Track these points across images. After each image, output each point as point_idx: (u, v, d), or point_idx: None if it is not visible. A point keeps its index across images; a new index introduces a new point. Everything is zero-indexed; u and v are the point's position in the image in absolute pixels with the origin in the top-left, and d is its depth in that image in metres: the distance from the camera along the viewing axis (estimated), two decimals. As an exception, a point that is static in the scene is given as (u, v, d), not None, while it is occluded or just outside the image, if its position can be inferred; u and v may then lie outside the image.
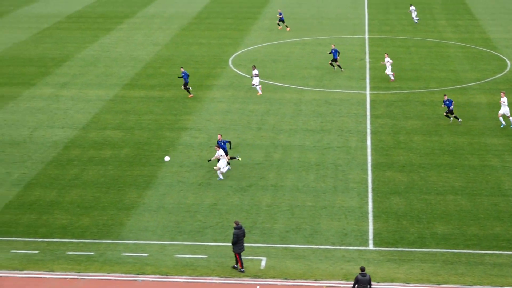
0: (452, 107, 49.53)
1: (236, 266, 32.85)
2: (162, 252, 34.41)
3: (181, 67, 57.73)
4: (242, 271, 32.56)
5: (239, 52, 69.44)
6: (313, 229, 36.40)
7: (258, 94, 56.54)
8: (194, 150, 46.10)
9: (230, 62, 65.44)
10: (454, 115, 49.89)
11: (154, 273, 32.62)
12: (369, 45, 71.25)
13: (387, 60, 59.26)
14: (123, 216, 37.87)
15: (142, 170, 43.36)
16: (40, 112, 53.49)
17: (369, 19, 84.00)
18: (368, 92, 56.91)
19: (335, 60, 61.59)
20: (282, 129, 49.30)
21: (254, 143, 47.27)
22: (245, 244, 33.21)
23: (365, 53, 68.35)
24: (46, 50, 70.99)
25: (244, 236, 32.54)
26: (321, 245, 34.97)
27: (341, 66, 62.41)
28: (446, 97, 49.82)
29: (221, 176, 41.83)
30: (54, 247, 34.96)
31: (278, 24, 78.73)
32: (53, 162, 44.66)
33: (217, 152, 41.94)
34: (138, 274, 32.54)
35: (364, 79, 60.14)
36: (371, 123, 50.31)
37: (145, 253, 34.33)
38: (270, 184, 41.38)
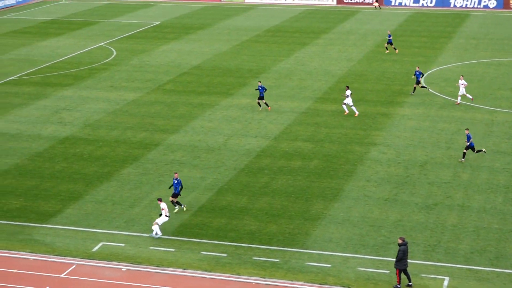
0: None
1: (410, 284, 32.24)
2: (345, 264, 34.30)
3: (259, 81, 57.63)
4: (398, 287, 31.97)
5: (432, 70, 68.25)
6: (499, 252, 35.13)
7: (345, 113, 55.24)
8: (382, 166, 45.69)
9: (422, 80, 64.43)
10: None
11: (336, 284, 32.54)
12: None
13: (462, 82, 56.95)
14: (309, 226, 38.07)
15: (329, 182, 43.44)
16: (235, 121, 54.79)
17: None
18: None
19: (418, 82, 59.73)
20: (472, 149, 47.97)
21: (442, 161, 46.27)
22: (427, 263, 32.52)
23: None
24: (244, 61, 72.69)
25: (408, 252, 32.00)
26: (506, 269, 33.68)
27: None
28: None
29: (158, 233, 36.96)
30: (241, 251, 35.63)
31: (386, 48, 75.73)
32: (245, 170, 45.58)
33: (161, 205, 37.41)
34: (320, 284, 32.57)
35: (561, 102, 57.52)
36: None
37: (328, 263, 34.33)
38: (457, 203, 40.33)
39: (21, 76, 67.73)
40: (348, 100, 55.20)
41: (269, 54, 75.33)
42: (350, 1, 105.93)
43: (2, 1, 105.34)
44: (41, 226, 38.41)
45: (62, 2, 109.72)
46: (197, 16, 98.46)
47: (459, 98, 57.59)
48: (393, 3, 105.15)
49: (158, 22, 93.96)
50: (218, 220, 38.95)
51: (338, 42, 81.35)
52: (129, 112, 56.80)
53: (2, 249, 35.88)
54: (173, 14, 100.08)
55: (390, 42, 75.53)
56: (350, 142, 49.95)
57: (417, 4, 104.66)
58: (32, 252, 35.52)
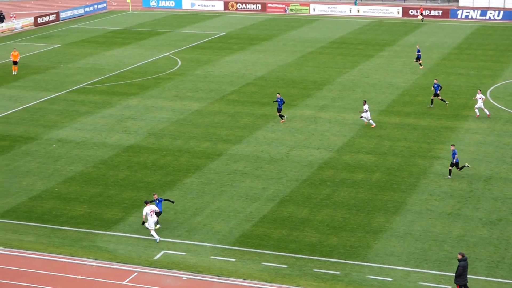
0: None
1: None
2: (406, 278, 33.91)
3: (278, 93, 57.48)
4: None
5: (498, 84, 67.23)
6: None
7: (372, 126, 55.11)
8: (445, 180, 45.09)
9: (488, 94, 63.49)
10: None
11: (396, 298, 32.21)
12: None
13: (480, 96, 56.65)
14: (370, 239, 37.76)
15: (392, 196, 43.05)
16: (298, 132, 54.72)
17: None
18: None
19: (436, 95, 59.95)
20: (539, 165, 47.09)
21: (507, 177, 45.48)
22: (491, 279, 31.96)
23: None
24: (308, 73, 72.62)
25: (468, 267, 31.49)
26: None
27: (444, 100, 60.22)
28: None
29: (156, 237, 37.63)
30: (302, 263, 35.51)
31: (420, 64, 74.30)
32: (307, 181, 45.46)
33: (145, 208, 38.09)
34: (381, 297, 32.28)
35: None
36: None
37: (390, 277, 33.99)
38: (522, 220, 39.61)
39: (88, 84, 68.75)
40: (366, 114, 54.98)
41: (333, 66, 75.12)
42: (415, 14, 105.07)
43: (71, 11, 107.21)
44: (104, 233, 38.85)
45: (129, 12, 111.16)
46: (262, 27, 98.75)
47: (477, 111, 57.37)
48: (459, 16, 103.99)
49: (224, 33, 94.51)
50: (279, 231, 38.89)
51: (402, 54, 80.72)
52: (193, 122, 57.17)
53: (66, 255, 36.39)
54: (238, 25, 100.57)
55: (418, 58, 74.47)
56: (414, 155, 49.45)
57: (484, 17, 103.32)
58: (95, 259, 35.94)
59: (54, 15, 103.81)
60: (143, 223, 38.41)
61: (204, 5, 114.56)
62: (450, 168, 45.28)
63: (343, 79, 69.92)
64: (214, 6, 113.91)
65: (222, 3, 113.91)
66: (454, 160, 44.78)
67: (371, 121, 55.40)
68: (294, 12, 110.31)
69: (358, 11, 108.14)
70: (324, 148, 51.19)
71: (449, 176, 45.35)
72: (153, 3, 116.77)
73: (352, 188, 44.26)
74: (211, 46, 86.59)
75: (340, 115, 58.54)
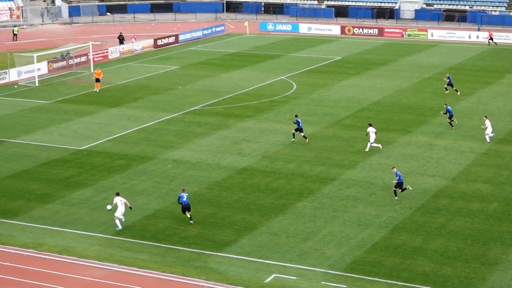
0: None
1: None
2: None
3: (296, 115, 57.91)
4: None
5: None
6: None
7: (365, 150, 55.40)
8: None
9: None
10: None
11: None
12: None
13: (487, 122, 57.41)
14: (486, 271, 36.78)
15: (509, 227, 41.87)
16: (413, 158, 53.98)
17: None
18: None
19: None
20: None
21: None
22: None
23: None
24: (424, 99, 71.65)
25: None
26: None
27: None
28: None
29: (119, 226, 42.26)
30: (414, 292, 34.94)
31: (446, 89, 73.18)
32: (421, 209, 44.74)
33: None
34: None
35: None
36: None
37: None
38: None
39: (204, 106, 69.80)
40: (370, 138, 55.33)
41: (451, 92, 73.84)
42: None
43: (190, 34, 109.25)
44: (216, 254, 39.21)
45: (246, 35, 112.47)
46: (379, 52, 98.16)
47: (488, 136, 57.45)
48: None
49: (339, 57, 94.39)
50: (392, 259, 38.37)
51: (523, 81, 78.74)
52: (307, 146, 57.18)
53: (178, 275, 36.89)
54: (354, 49, 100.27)
55: (450, 84, 73.18)
56: (533, 186, 48.02)
57: None
58: (206, 279, 36.29)
59: (173, 37, 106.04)
60: (109, 210, 42.44)
61: (321, 29, 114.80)
62: (395, 189, 46.23)
63: (460, 106, 68.63)
64: (330, 30, 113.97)
65: (338, 27, 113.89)
66: (399, 180, 45.88)
67: (373, 144, 55.46)
68: (411, 37, 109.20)
69: (477, 37, 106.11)
70: (439, 175, 50.30)
71: (396, 198, 45.98)
72: (270, 27, 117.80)
73: (467, 217, 43.29)
74: (326, 70, 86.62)
75: (457, 142, 57.45)
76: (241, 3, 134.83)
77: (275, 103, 70.44)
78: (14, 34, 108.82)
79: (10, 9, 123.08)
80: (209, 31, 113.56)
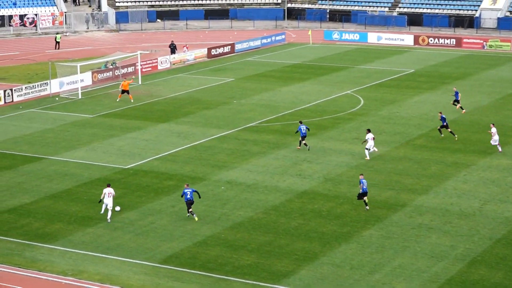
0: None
1: None
2: None
3: (300, 121, 57.86)
4: None
5: None
6: None
7: (366, 158, 58.63)
8: None
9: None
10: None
11: None
12: None
13: (493, 131, 59.82)
14: None
15: None
16: (494, 184, 53.30)
17: None
18: None
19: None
20: None
21: None
22: None
23: None
24: (507, 117, 70.81)
25: None
26: None
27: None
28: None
29: (108, 217, 47.58)
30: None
31: (454, 104, 73.01)
32: (502, 240, 44.12)
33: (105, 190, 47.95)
34: None
35: None
36: None
37: None
38: None
39: (261, 122, 69.96)
40: (368, 144, 58.05)
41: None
42: None
43: (247, 43, 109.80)
44: (272, 287, 39.09)
45: (309, 45, 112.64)
46: (456, 65, 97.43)
47: (499, 147, 60.19)
48: None
49: (412, 70, 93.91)
50: (468, 296, 37.89)
51: None
52: (374, 168, 56.89)
53: (230, 308, 36.89)
54: (429, 61, 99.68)
55: (457, 100, 72.81)
56: None
57: None
58: (261, 314, 36.24)
59: (229, 46, 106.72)
60: (100, 201, 47.98)
61: (392, 39, 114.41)
62: (359, 198, 48.82)
63: (548, 125, 67.71)
64: (403, 40, 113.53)
65: (412, 37, 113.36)
66: (363, 191, 48.23)
67: (371, 151, 58.55)
68: (493, 48, 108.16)
69: None
70: (524, 203, 49.67)
71: (367, 209, 48.39)
72: (335, 36, 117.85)
73: (555, 251, 42.55)
74: (397, 84, 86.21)
75: (543, 166, 56.66)
76: (303, 9, 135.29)
77: (340, 120, 70.27)
78: (57, 42, 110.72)
79: (52, 14, 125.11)
80: (268, 40, 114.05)
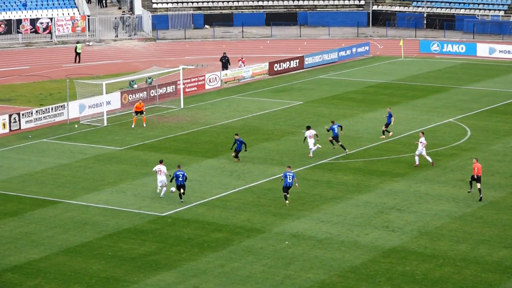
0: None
1: None
2: None
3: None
4: None
5: None
6: None
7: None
8: None
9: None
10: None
11: None
12: None
13: (422, 140, 66.83)
14: None
15: None
16: None
17: None
18: None
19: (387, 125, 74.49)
20: None
21: None
22: None
23: None
24: None
25: None
26: None
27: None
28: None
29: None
30: None
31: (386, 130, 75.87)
32: None
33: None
34: None
35: None
36: None
37: None
38: None
39: (337, 158, 69.84)
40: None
41: None
42: None
43: (319, 55, 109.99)
44: None
45: (400, 59, 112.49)
46: None
47: (416, 158, 67.16)
48: None
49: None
50: None
51: None
52: (484, 219, 56.41)
53: None
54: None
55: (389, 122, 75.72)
56: None
57: None
58: None
59: (297, 60, 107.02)
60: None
61: (509, 52, 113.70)
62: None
63: None
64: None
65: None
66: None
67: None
68: None
69: None
70: None
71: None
72: (434, 47, 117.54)
73: None
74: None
75: None
76: (393, 13, 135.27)
77: (440, 157, 69.89)
78: (77, 53, 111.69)
79: (72, 18, 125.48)
80: (347, 52, 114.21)
